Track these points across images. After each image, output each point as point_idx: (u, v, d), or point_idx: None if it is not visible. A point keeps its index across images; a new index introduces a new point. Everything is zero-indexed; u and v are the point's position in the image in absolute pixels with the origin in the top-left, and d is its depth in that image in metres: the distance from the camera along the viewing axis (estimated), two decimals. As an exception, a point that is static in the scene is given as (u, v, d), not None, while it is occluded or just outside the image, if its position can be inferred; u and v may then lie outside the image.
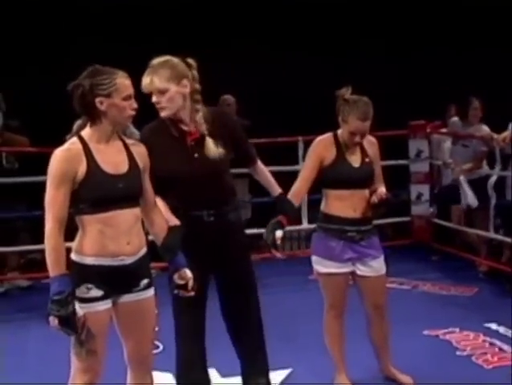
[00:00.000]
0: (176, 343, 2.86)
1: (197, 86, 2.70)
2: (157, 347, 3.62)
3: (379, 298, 3.26)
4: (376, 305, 3.26)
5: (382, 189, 3.17)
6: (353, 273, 3.20)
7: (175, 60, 2.67)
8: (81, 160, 2.35)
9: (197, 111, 2.69)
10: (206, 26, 6.72)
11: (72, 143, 2.39)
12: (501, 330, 4.07)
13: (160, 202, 2.65)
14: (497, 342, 3.89)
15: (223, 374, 3.40)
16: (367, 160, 3.17)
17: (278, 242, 2.88)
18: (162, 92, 2.62)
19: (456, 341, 3.95)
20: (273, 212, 2.93)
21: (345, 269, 3.15)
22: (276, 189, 2.94)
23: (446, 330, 4.08)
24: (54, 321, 2.28)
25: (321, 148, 3.14)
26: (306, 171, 3.13)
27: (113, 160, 2.41)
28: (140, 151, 2.50)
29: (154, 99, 2.66)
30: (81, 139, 2.39)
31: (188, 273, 2.58)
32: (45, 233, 2.33)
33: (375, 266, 3.20)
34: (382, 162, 5.68)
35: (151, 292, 2.51)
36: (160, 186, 2.62)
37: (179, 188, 2.70)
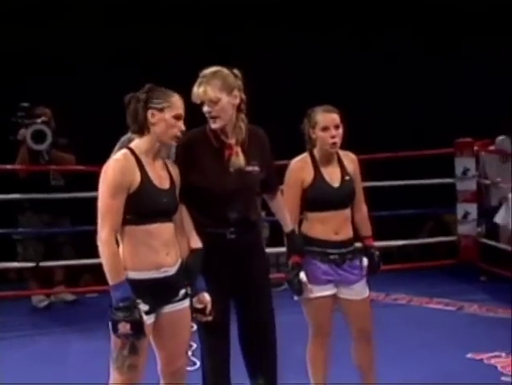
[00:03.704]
0: (201, 365, 2.87)
1: (244, 96, 2.74)
2: (194, 364, 3.62)
3: (364, 322, 3.12)
4: (361, 329, 3.11)
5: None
6: (336, 297, 3.07)
7: (225, 71, 2.72)
8: (135, 171, 2.44)
9: (243, 120, 2.73)
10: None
11: (125, 154, 2.47)
12: (550, 356, 3.94)
13: (186, 217, 2.66)
14: (546, 369, 3.77)
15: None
16: (347, 178, 3.06)
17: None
18: (215, 102, 2.66)
19: (501, 366, 3.81)
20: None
21: (328, 292, 3.03)
22: (289, 225, 2.92)
23: (491, 354, 3.95)
24: (125, 327, 2.32)
25: (298, 171, 3.03)
26: (289, 199, 2.97)
27: (159, 174, 2.50)
28: (176, 173, 2.60)
29: (206, 108, 2.69)
30: (131, 151, 2.48)
31: (207, 297, 2.60)
32: (100, 241, 2.39)
33: (357, 289, 3.07)
34: (428, 180, 5.77)
35: (187, 302, 2.55)
36: (189, 196, 2.64)
37: (208, 200, 2.71)
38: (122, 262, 2.41)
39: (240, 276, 2.77)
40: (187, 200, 2.66)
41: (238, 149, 2.71)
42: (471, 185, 5.78)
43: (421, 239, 6.25)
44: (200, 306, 2.59)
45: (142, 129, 2.49)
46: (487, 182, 5.76)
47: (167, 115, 2.48)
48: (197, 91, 2.68)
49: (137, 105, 2.48)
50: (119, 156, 2.48)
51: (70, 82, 6.10)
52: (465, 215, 5.77)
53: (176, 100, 2.51)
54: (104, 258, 2.39)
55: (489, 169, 5.74)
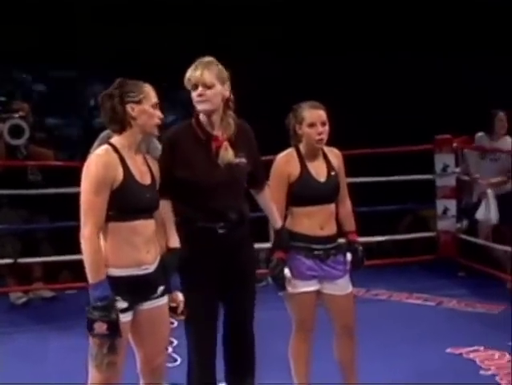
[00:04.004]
0: (187, 359, 2.85)
1: (231, 95, 2.76)
2: (175, 360, 3.61)
3: (347, 318, 3.12)
4: (344, 325, 3.11)
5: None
6: (319, 292, 3.07)
7: (220, 64, 2.76)
8: (118, 166, 2.41)
9: (231, 116, 2.74)
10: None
11: (107, 149, 2.44)
12: (528, 349, 3.97)
13: (168, 214, 2.64)
14: (523, 362, 3.80)
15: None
16: (333, 173, 3.06)
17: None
18: (209, 87, 2.67)
19: (480, 360, 3.85)
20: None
21: (311, 287, 3.03)
22: (277, 221, 2.92)
23: (470, 349, 3.98)
24: (101, 327, 2.30)
25: (284, 165, 3.02)
26: (275, 193, 2.97)
27: (140, 170, 2.48)
28: (156, 168, 2.58)
29: (199, 91, 2.69)
30: (113, 146, 2.45)
31: (180, 296, 2.60)
32: (83, 238, 2.36)
33: (341, 284, 3.07)
34: (408, 176, 5.79)
35: (165, 299, 2.54)
36: (177, 191, 2.63)
37: (196, 194, 2.69)
38: (103, 260, 2.39)
39: (229, 271, 2.76)
40: (174, 195, 2.64)
41: (227, 144, 2.71)
42: (450, 181, 5.82)
43: (400, 234, 6.28)
44: (173, 305, 2.59)
45: (123, 125, 2.46)
46: (466, 178, 5.80)
47: (146, 106, 2.47)
48: (193, 73, 2.68)
49: (113, 102, 2.45)
50: (101, 151, 2.45)
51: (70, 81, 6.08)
52: (445, 211, 5.80)
53: (150, 90, 2.51)
54: (86, 255, 2.36)
55: (470, 165, 5.78)
